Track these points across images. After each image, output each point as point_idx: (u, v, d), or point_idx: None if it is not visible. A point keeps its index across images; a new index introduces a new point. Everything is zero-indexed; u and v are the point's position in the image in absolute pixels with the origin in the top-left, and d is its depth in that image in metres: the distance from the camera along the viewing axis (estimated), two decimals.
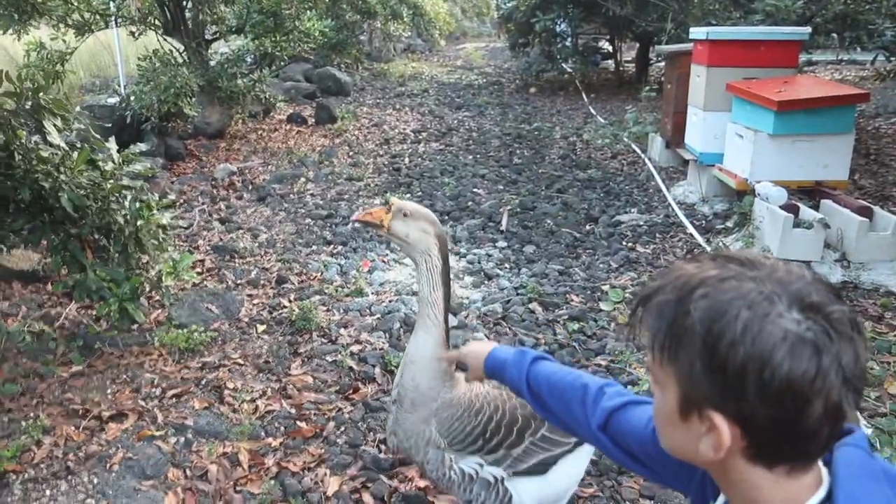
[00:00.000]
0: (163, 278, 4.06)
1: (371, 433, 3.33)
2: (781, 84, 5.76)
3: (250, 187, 7.25)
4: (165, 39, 8.68)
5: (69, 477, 2.94)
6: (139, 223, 3.82)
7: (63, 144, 3.57)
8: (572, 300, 4.68)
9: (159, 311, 4.33)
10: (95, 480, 2.92)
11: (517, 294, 4.76)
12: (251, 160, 8.27)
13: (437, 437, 2.33)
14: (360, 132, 10.02)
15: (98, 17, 8.16)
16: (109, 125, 7.25)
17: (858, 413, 3.32)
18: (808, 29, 6.69)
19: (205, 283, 4.85)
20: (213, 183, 7.33)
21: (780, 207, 5.06)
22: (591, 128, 10.12)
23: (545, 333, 4.24)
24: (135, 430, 3.25)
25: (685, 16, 10.36)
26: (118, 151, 3.88)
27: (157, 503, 2.81)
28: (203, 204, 6.65)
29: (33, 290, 4.58)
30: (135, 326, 4.04)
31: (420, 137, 9.76)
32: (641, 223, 6.10)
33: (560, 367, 1.65)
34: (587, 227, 6.14)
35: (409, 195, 6.97)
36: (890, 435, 3.10)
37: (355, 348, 4.06)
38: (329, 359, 3.95)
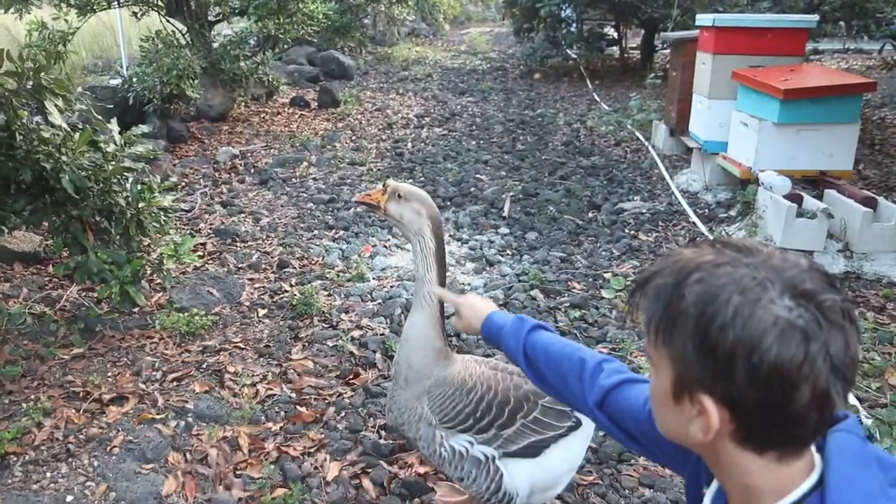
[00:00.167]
0: (164, 261, 4.05)
1: (371, 419, 3.33)
2: (787, 72, 5.73)
3: (252, 171, 7.23)
4: (168, 20, 8.64)
5: (69, 459, 2.94)
6: (141, 205, 3.80)
7: (65, 125, 3.55)
8: (574, 287, 4.68)
9: (160, 294, 4.33)
10: (96, 463, 2.92)
11: (519, 281, 4.75)
12: (253, 143, 8.25)
13: (428, 413, 2.38)
14: (363, 116, 9.99)
15: None
16: (111, 106, 7.22)
17: (859, 403, 3.32)
18: (816, 17, 6.65)
19: (206, 266, 4.84)
20: (215, 166, 7.31)
21: (784, 197, 5.04)
22: (595, 115, 10.08)
23: (546, 320, 4.23)
24: (135, 413, 3.26)
25: (692, 2, 10.31)
26: (120, 133, 3.86)
27: (157, 486, 2.82)
28: (205, 187, 6.64)
29: (34, 272, 4.57)
30: (136, 309, 4.04)
31: (423, 122, 9.73)
32: (644, 211, 6.08)
33: (558, 338, 1.65)
34: (590, 215, 6.12)
35: (411, 180, 6.94)
36: (890, 426, 3.09)
37: (356, 333, 4.05)
38: (330, 344, 3.95)
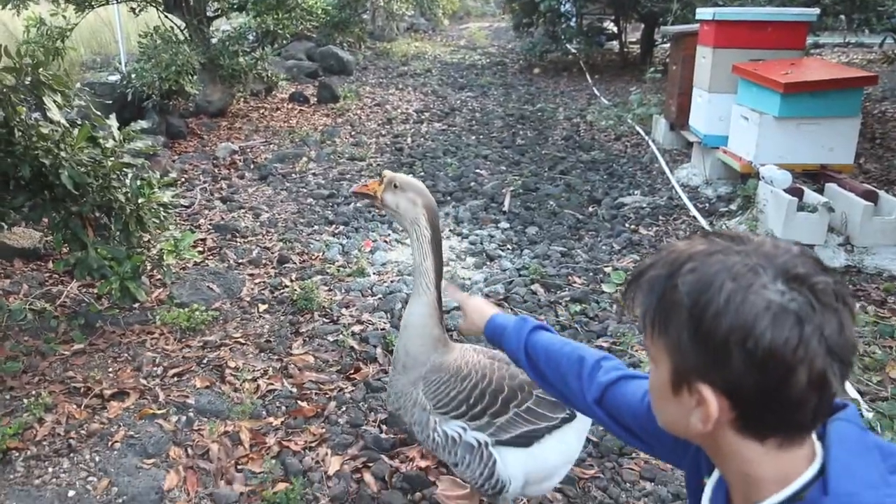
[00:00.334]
0: (164, 257, 4.05)
1: (372, 413, 3.33)
2: (788, 66, 5.72)
3: (252, 166, 7.22)
4: (166, 16, 8.61)
5: (71, 455, 2.94)
6: (140, 201, 3.80)
7: (63, 121, 3.54)
8: (574, 282, 4.67)
9: (160, 289, 4.33)
10: (97, 458, 2.92)
11: (519, 275, 4.75)
12: (253, 139, 8.24)
13: (423, 399, 2.43)
14: (363, 112, 9.97)
15: None
16: (110, 102, 7.21)
17: (860, 397, 3.32)
18: (817, 10, 6.63)
19: (206, 262, 4.84)
20: (215, 162, 7.30)
21: (785, 191, 5.03)
22: (595, 109, 10.07)
23: (547, 315, 4.23)
24: (136, 408, 3.26)
25: None
26: (119, 129, 3.86)
27: (158, 481, 2.82)
28: (204, 183, 6.63)
29: (34, 268, 4.57)
30: (136, 305, 4.03)
31: (423, 117, 9.71)
32: (644, 205, 6.07)
33: (559, 338, 1.66)
34: (590, 209, 6.11)
35: (411, 175, 6.93)
36: (891, 419, 3.10)
37: (357, 328, 4.05)
38: (330, 339, 3.95)
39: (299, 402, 3.40)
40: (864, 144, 7.09)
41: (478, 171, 7.19)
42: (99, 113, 3.81)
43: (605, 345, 3.89)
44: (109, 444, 3.00)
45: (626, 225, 5.67)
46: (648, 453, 1.49)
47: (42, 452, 2.93)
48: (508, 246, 5.34)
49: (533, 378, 1.68)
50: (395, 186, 2.43)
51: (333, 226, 5.67)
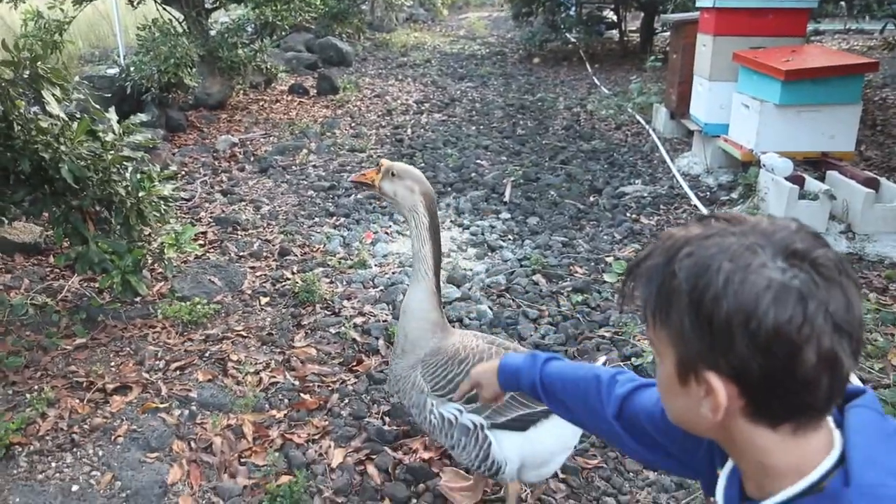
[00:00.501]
0: (165, 250, 4.04)
1: (375, 405, 3.33)
2: (789, 53, 5.69)
3: (252, 159, 7.21)
4: (165, 8, 8.58)
5: (74, 449, 2.94)
6: (141, 195, 3.79)
7: (63, 115, 3.53)
8: (576, 272, 4.67)
9: (162, 283, 4.32)
10: (100, 453, 2.93)
11: (521, 266, 4.74)
12: (253, 131, 8.22)
13: (421, 381, 2.49)
14: (363, 103, 9.95)
15: None
16: (109, 96, 7.18)
17: (862, 384, 3.32)
18: None
19: (207, 255, 4.83)
20: (215, 154, 7.28)
21: (786, 178, 5.02)
22: (595, 98, 10.04)
23: (549, 305, 4.22)
24: (139, 402, 3.26)
25: None
26: (118, 122, 3.85)
27: (161, 475, 2.82)
28: (205, 175, 6.62)
29: (35, 263, 4.57)
30: (137, 299, 4.03)
31: (423, 108, 9.69)
32: (645, 195, 6.06)
33: (571, 363, 1.64)
34: (591, 199, 6.10)
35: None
36: (894, 406, 3.09)
37: (359, 320, 4.05)
38: (332, 331, 3.95)
39: (302, 394, 3.40)
40: (864, 131, 7.07)
41: (478, 161, 7.17)
42: (98, 106, 3.80)
43: (606, 334, 3.89)
44: (112, 438, 3.00)
45: (628, 214, 5.66)
46: (665, 466, 1.44)
47: (45, 447, 2.94)
48: (510, 236, 5.33)
49: (555, 411, 1.65)
50: (393, 174, 2.49)
51: (334, 218, 5.67)
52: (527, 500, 2.76)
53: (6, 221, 3.84)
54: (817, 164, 5.64)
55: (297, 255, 4.93)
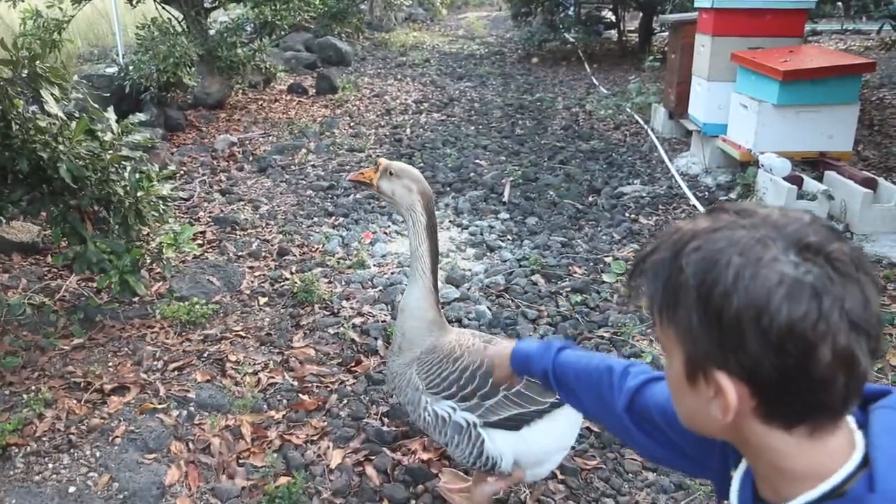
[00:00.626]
0: (163, 250, 4.03)
1: (374, 406, 3.32)
2: (787, 54, 5.70)
3: (251, 158, 7.20)
4: (164, 7, 8.57)
5: (71, 450, 2.94)
6: (139, 194, 3.78)
7: (61, 114, 3.52)
8: (575, 272, 4.66)
9: (160, 283, 4.32)
10: (98, 454, 2.92)
11: (520, 266, 4.74)
12: (252, 131, 8.21)
13: (416, 379, 2.50)
14: (362, 103, 9.94)
15: None
16: (108, 95, 7.17)
17: None
18: None
19: (206, 255, 4.83)
20: (214, 154, 7.27)
21: (784, 179, 5.02)
22: (594, 98, 10.04)
23: (548, 305, 4.22)
24: (137, 403, 3.25)
25: None
26: (117, 122, 3.84)
27: (159, 476, 2.81)
28: (203, 175, 6.61)
29: (33, 262, 4.56)
30: (136, 299, 4.03)
31: (421, 108, 9.69)
32: (644, 195, 6.06)
33: (585, 353, 1.61)
34: (590, 199, 6.10)
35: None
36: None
37: (357, 321, 4.05)
38: (331, 331, 3.94)
39: (300, 395, 3.39)
40: (862, 131, 7.07)
41: (477, 161, 7.17)
42: (97, 105, 3.80)
43: (605, 335, 3.89)
44: (110, 439, 3.00)
45: (626, 214, 5.66)
46: (679, 466, 1.39)
47: (42, 448, 2.93)
48: (508, 236, 5.33)
49: (566, 401, 1.63)
50: (391, 173, 2.50)
51: (333, 217, 5.66)
52: (526, 500, 2.76)
53: (4, 221, 3.84)
54: (815, 164, 5.64)
55: (295, 255, 4.93)
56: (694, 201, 5.76)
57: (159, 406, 3.23)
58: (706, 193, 6.05)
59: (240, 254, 4.90)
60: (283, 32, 9.82)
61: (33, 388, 3.29)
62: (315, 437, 3.10)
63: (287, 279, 4.51)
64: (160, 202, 3.94)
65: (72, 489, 2.74)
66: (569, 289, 4.40)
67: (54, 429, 3.05)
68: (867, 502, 0.86)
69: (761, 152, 5.42)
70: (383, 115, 9.27)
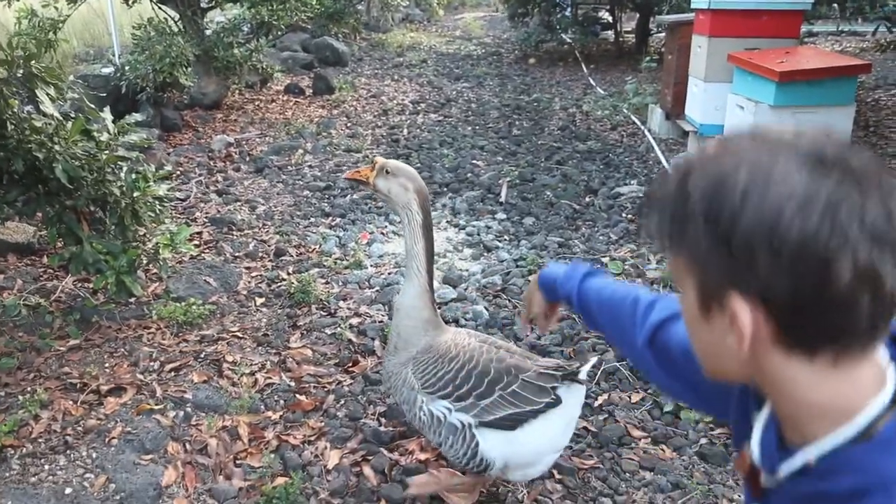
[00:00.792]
0: (160, 251, 4.02)
1: (371, 406, 3.32)
2: (783, 55, 5.71)
3: (248, 159, 7.19)
4: (160, 7, 8.55)
5: (68, 451, 2.93)
6: (135, 195, 3.78)
7: (57, 114, 3.52)
8: None
9: (157, 283, 4.31)
10: (94, 455, 2.91)
11: (517, 266, 4.74)
12: (248, 131, 8.20)
13: (412, 378, 2.51)
14: (359, 103, 9.93)
15: None
16: (104, 95, 7.16)
17: None
18: None
19: (202, 255, 4.82)
20: (210, 154, 7.26)
21: None
22: (591, 99, 10.04)
23: None
24: (133, 403, 3.24)
25: None
26: (113, 122, 3.83)
27: (156, 477, 2.81)
28: (200, 175, 6.60)
29: (28, 263, 4.54)
30: (132, 299, 4.02)
31: (418, 108, 9.68)
32: (641, 195, 6.06)
33: (612, 282, 1.55)
34: (587, 199, 6.10)
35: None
36: None
37: (354, 321, 4.04)
38: (328, 332, 3.94)
39: (297, 395, 3.39)
40: (857, 133, 7.09)
41: (474, 161, 7.17)
42: (93, 106, 3.79)
43: (602, 335, 3.88)
44: (106, 440, 2.99)
45: (623, 215, 5.66)
46: (695, 404, 1.33)
47: (38, 450, 2.92)
48: (505, 237, 5.32)
49: (588, 325, 1.62)
50: (387, 172, 2.51)
51: (330, 218, 5.66)
52: (523, 500, 2.76)
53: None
54: None
55: (292, 256, 4.92)
56: None
57: (156, 407, 3.22)
58: None
59: (236, 254, 4.89)
60: (279, 33, 9.80)
61: (29, 389, 3.28)
62: (312, 438, 3.10)
63: (284, 280, 4.51)
64: (156, 203, 3.93)
65: (68, 490, 2.73)
66: None
67: (50, 430, 3.04)
68: None
69: None
70: (380, 115, 9.26)
